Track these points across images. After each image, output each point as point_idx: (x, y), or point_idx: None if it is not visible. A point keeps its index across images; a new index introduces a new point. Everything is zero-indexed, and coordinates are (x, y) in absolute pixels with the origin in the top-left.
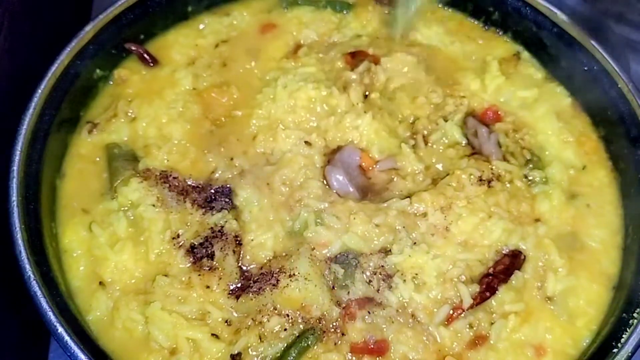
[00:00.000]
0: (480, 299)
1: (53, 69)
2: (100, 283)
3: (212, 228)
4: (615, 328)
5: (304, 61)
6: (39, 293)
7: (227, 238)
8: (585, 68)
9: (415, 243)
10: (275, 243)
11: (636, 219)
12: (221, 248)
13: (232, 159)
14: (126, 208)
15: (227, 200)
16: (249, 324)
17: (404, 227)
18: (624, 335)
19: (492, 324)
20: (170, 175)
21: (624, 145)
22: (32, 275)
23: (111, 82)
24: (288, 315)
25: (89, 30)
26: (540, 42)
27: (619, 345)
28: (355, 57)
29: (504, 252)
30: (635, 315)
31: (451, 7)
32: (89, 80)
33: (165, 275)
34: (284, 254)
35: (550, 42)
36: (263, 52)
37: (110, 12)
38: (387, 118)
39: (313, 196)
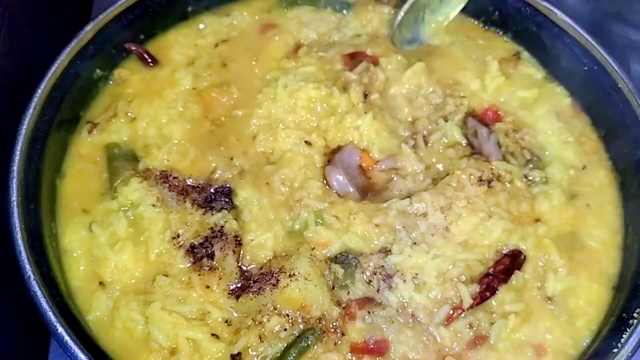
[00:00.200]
0: (480, 299)
1: (53, 69)
2: (100, 283)
3: (212, 228)
4: (615, 328)
5: (304, 61)
6: (39, 293)
7: (227, 238)
8: (585, 68)
9: (415, 243)
10: (275, 243)
11: (636, 219)
12: (221, 248)
13: (232, 158)
14: (126, 208)
15: (227, 200)
16: (249, 324)
17: (404, 227)
18: (624, 335)
19: (492, 324)
20: (170, 175)
21: (624, 145)
22: (32, 275)
23: (111, 82)
24: (288, 315)
25: (89, 30)
26: (540, 42)
27: (619, 345)
28: (354, 58)
29: (504, 252)
30: (635, 315)
31: None
32: (89, 80)
33: (165, 275)
34: (284, 254)
35: (550, 42)
36: (263, 52)
37: (110, 12)
38: (387, 118)
39: (313, 196)
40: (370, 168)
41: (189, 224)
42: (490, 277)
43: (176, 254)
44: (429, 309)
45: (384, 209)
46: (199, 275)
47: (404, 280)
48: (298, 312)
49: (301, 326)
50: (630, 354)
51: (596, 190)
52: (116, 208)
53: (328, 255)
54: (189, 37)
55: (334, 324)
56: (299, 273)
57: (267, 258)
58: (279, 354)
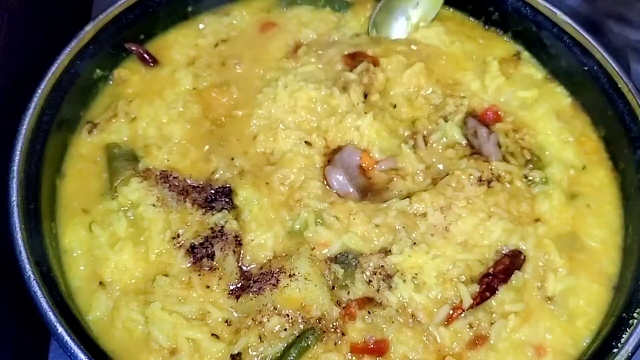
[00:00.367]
0: (480, 299)
1: (53, 69)
2: (100, 283)
3: (212, 228)
4: (615, 328)
5: (304, 60)
6: (39, 293)
7: (227, 238)
8: (585, 68)
9: (415, 243)
10: (275, 243)
11: (636, 219)
12: (221, 248)
13: (232, 159)
14: (126, 208)
15: (227, 200)
16: (249, 324)
17: (403, 227)
18: (624, 335)
19: (492, 324)
20: (171, 175)
21: (624, 145)
22: (32, 275)
23: (111, 82)
24: (288, 315)
25: (89, 30)
26: (540, 42)
27: (619, 345)
28: (355, 59)
29: (503, 252)
30: (635, 315)
31: (451, 6)
32: (89, 80)
33: (165, 275)
34: (284, 254)
35: (550, 42)
36: (263, 52)
37: (110, 12)
38: (387, 118)
39: (313, 196)
40: (370, 168)
41: (189, 224)
42: (490, 277)
43: (176, 254)
44: (429, 309)
45: (384, 209)
46: (199, 275)
47: (404, 280)
48: (298, 312)
49: (301, 326)
50: (630, 354)
51: (596, 190)
52: (116, 208)
53: (328, 255)
54: (189, 37)
55: (334, 324)
56: (299, 273)
57: (267, 258)
58: (279, 354)
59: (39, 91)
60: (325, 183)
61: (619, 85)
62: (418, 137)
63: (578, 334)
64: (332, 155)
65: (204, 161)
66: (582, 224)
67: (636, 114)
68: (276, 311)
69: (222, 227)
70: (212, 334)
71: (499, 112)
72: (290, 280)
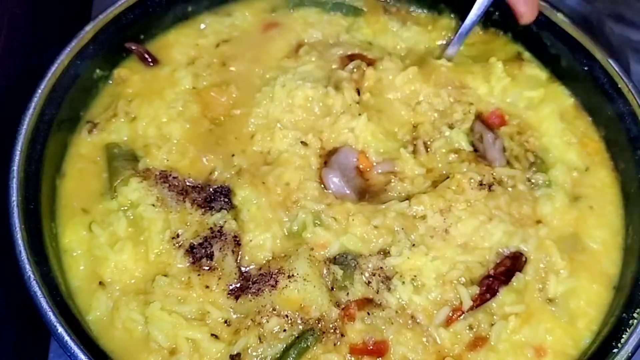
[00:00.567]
0: (480, 301)
1: (53, 69)
2: (100, 283)
3: (211, 228)
4: (615, 328)
5: (304, 60)
6: (39, 293)
7: (226, 238)
8: (585, 68)
9: (414, 245)
10: (273, 244)
11: (636, 219)
12: (220, 248)
13: (231, 157)
14: (126, 208)
15: (226, 200)
16: (249, 324)
17: (402, 228)
18: (624, 335)
19: (492, 325)
20: (170, 175)
21: (624, 145)
22: (32, 275)
23: (111, 82)
24: (287, 316)
25: (89, 30)
26: (541, 42)
27: (619, 345)
28: (352, 59)
29: (504, 254)
30: (635, 315)
31: (450, 7)
32: (89, 80)
33: (165, 275)
34: (282, 255)
35: (551, 42)
36: (264, 52)
37: (110, 12)
38: (384, 121)
39: (310, 197)
40: (367, 169)
41: (188, 223)
42: (491, 278)
43: (176, 254)
44: (429, 310)
45: (383, 210)
46: (199, 275)
47: (403, 282)
48: (297, 313)
49: (300, 327)
50: (630, 354)
51: (598, 192)
52: (116, 208)
53: (327, 256)
54: (190, 37)
55: (333, 324)
56: (297, 274)
57: (266, 259)
58: (278, 355)
59: (39, 91)
60: (321, 184)
61: (619, 85)
62: (418, 142)
63: (578, 335)
64: (328, 157)
65: (203, 161)
66: (583, 226)
67: (636, 114)
68: (275, 312)
69: (221, 227)
70: (212, 334)
71: (504, 116)
72: (289, 281)
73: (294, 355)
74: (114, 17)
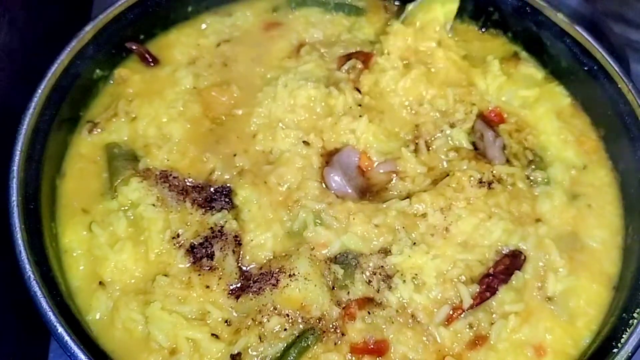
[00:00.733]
0: (480, 299)
1: (53, 69)
2: (100, 283)
3: (212, 228)
4: (615, 328)
5: (305, 59)
6: (39, 293)
7: (226, 238)
8: (585, 68)
9: (414, 243)
10: (274, 243)
11: (636, 219)
12: (221, 248)
13: (233, 157)
14: (126, 208)
15: (227, 200)
16: (249, 324)
17: (403, 227)
18: (624, 335)
19: (492, 324)
20: (170, 175)
21: (624, 145)
22: (32, 275)
23: (111, 82)
24: (288, 315)
25: (89, 30)
26: (540, 42)
27: (619, 345)
28: (350, 58)
29: (504, 252)
30: (635, 315)
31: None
32: (89, 80)
33: (165, 275)
34: (283, 254)
35: (550, 42)
36: (265, 52)
37: (110, 12)
38: (386, 122)
39: (311, 197)
40: (369, 169)
41: (188, 223)
42: (491, 277)
43: (176, 254)
44: (429, 309)
45: (384, 209)
46: (199, 275)
47: (404, 281)
48: (298, 312)
49: (301, 326)
50: (630, 354)
51: (597, 190)
52: (116, 208)
53: (328, 255)
54: (190, 37)
55: (334, 324)
56: (298, 273)
57: (267, 258)
58: (279, 354)
59: (39, 91)
60: (323, 184)
61: (619, 85)
62: (420, 140)
63: (578, 334)
64: (330, 157)
65: (204, 160)
66: (582, 224)
67: (636, 114)
68: (276, 311)
69: (222, 227)
70: (212, 334)
71: (503, 114)
72: (290, 280)
73: (294, 355)
74: (114, 17)
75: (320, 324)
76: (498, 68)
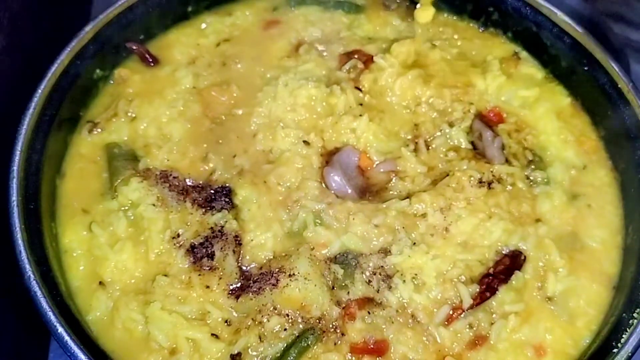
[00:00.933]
0: (480, 299)
1: (53, 69)
2: (100, 283)
3: (212, 228)
4: (615, 328)
5: (305, 58)
6: (39, 293)
7: (227, 238)
8: (585, 68)
9: (414, 243)
10: (274, 243)
11: (636, 219)
12: (221, 248)
13: (232, 157)
14: (126, 208)
15: (227, 200)
16: (249, 323)
17: (403, 227)
18: (624, 335)
19: (492, 324)
20: (171, 175)
21: (624, 145)
22: (32, 275)
23: (111, 82)
24: (288, 315)
25: (89, 30)
26: (540, 42)
27: (619, 345)
28: (350, 57)
29: (504, 252)
30: (635, 315)
31: (449, 7)
32: (89, 80)
33: (165, 275)
34: (283, 254)
35: (550, 42)
36: (265, 51)
37: (110, 12)
38: (386, 122)
39: (310, 197)
40: (368, 168)
41: (189, 223)
42: (491, 277)
43: (176, 254)
44: (429, 309)
45: (383, 209)
46: (199, 275)
47: (404, 281)
48: (298, 312)
49: (301, 326)
50: (630, 354)
51: (597, 190)
52: (116, 208)
53: (327, 255)
54: (190, 37)
55: (334, 324)
56: (298, 273)
57: (267, 258)
58: (278, 354)
59: (39, 91)
60: (322, 184)
61: (619, 85)
62: (419, 140)
63: (578, 334)
64: (330, 156)
65: (204, 160)
66: (582, 224)
67: (636, 114)
68: (276, 311)
69: (222, 227)
70: (212, 334)
71: (502, 114)
72: (290, 280)
73: (294, 355)
74: (114, 17)
75: (320, 324)
76: (498, 68)
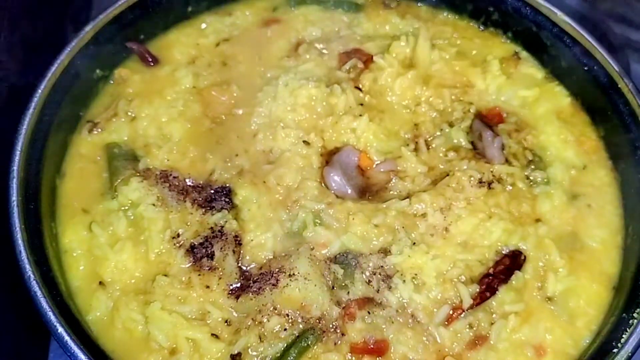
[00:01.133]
0: (480, 299)
1: (53, 69)
2: (100, 283)
3: (212, 228)
4: (615, 328)
5: (305, 58)
6: (39, 293)
7: (227, 238)
8: (585, 68)
9: (414, 243)
10: (274, 243)
11: (636, 219)
12: (221, 248)
13: (234, 156)
14: (126, 208)
15: (227, 200)
16: (249, 323)
17: (403, 227)
18: (624, 335)
19: (492, 324)
20: (171, 175)
21: (624, 145)
22: (32, 275)
23: (111, 82)
24: (288, 315)
25: (89, 30)
26: (540, 42)
27: (619, 345)
28: (350, 56)
29: (504, 252)
30: (635, 315)
31: (449, 7)
32: (89, 80)
33: (165, 275)
34: (283, 254)
35: (550, 42)
36: (265, 51)
37: (110, 12)
38: (386, 121)
39: (310, 197)
40: (368, 168)
41: (189, 223)
42: (491, 277)
43: (176, 254)
44: (429, 309)
45: (383, 209)
46: (199, 275)
47: (404, 281)
48: (298, 312)
49: (301, 326)
50: (630, 354)
51: (597, 190)
52: (116, 208)
53: (327, 255)
54: (190, 37)
55: (334, 323)
56: (298, 273)
57: (267, 258)
58: (278, 354)
59: (39, 91)
60: (322, 184)
61: (619, 85)
62: (420, 140)
63: (578, 334)
64: (329, 156)
65: (204, 160)
66: (582, 224)
67: (636, 114)
68: (276, 311)
69: (222, 227)
70: (212, 334)
71: (502, 113)
72: (290, 280)
73: (294, 355)
74: (114, 17)
75: (320, 324)
76: (498, 68)
